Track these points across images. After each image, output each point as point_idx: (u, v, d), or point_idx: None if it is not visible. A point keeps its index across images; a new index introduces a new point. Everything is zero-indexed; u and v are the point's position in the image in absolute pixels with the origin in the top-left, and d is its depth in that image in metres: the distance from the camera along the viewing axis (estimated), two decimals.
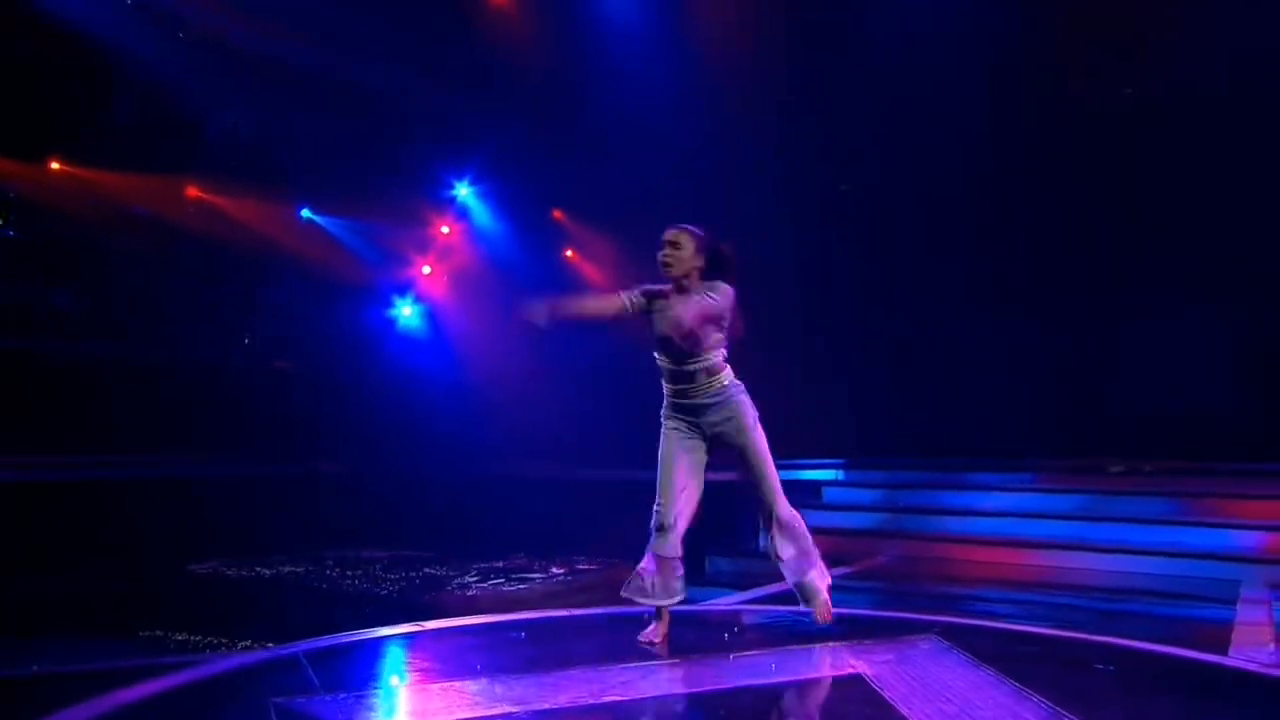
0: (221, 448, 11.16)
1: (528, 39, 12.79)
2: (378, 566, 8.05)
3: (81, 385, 10.73)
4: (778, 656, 4.39)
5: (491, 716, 3.48)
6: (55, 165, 12.11)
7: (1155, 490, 7.90)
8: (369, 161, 13.79)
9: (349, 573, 7.68)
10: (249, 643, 6.23)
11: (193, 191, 13.72)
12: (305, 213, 14.47)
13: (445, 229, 15.73)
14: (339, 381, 13.12)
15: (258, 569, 8.14)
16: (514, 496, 10.73)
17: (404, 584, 6.92)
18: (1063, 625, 5.43)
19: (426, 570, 7.67)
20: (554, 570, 7.87)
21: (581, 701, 3.66)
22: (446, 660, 4.53)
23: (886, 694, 3.72)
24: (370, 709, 3.54)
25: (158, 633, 6.90)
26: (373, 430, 12.38)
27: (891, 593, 6.68)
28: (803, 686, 3.88)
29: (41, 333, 11.08)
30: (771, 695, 3.75)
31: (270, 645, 5.78)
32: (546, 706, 3.57)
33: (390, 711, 3.58)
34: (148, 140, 12.37)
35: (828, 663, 4.25)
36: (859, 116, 10.41)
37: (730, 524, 8.97)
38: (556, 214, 15.80)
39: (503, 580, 7.11)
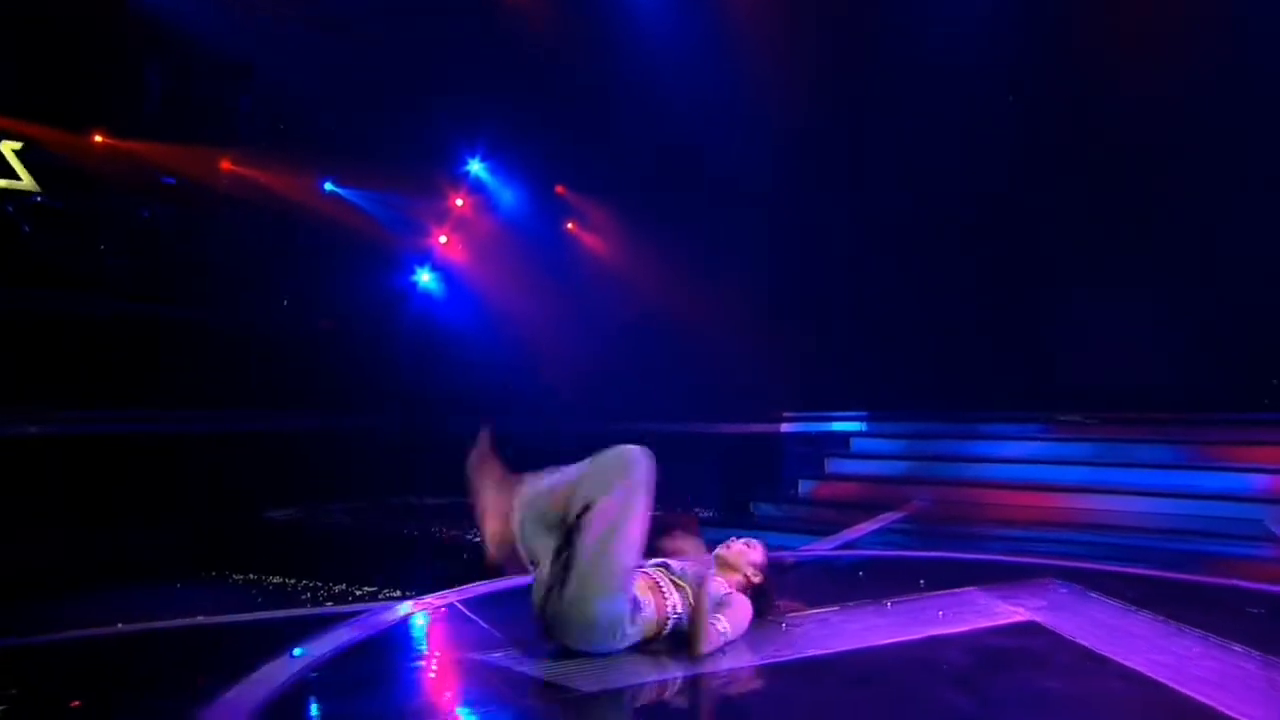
0: (272, 403, 10.41)
1: (535, 19, 12.04)
2: (447, 513, 7.45)
3: (136, 345, 9.90)
4: (933, 602, 3.98)
5: (702, 673, 3.01)
6: (99, 138, 11.12)
7: (1164, 439, 7.70)
8: (388, 137, 13.04)
9: (425, 519, 7.10)
10: (363, 589, 5.65)
11: (227, 165, 12.86)
12: (328, 185, 13.74)
13: (459, 201, 15.12)
14: (375, 339, 12.47)
15: (336, 515, 7.52)
16: (543, 448, 10.16)
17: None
18: (1137, 564, 5.14)
19: None
20: None
21: (783, 657, 3.21)
22: None
23: (1081, 641, 3.34)
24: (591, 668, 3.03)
25: (250, 576, 6.27)
26: (411, 386, 11.75)
27: (952, 536, 6.35)
28: (992, 635, 3.46)
29: (95, 295, 10.17)
30: (972, 646, 3.33)
31: (403, 593, 5.25)
32: (750, 663, 3.11)
33: (604, 672, 3.06)
34: (183, 114, 11.51)
35: (989, 610, 3.85)
36: (870, 86, 9.89)
37: (773, 472, 8.63)
38: (559, 189, 15.25)
39: None
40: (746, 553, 3.62)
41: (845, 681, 3.02)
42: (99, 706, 2.90)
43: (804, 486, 8.27)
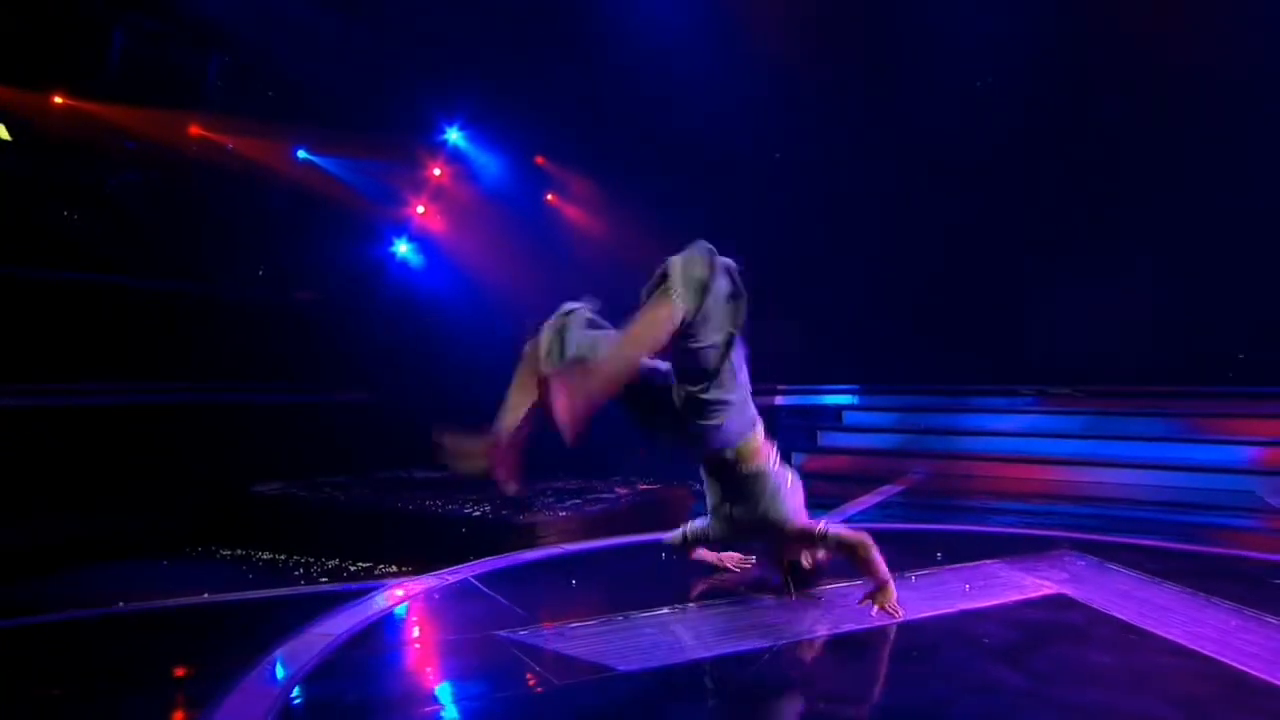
0: (254, 376, 10.08)
1: None
2: (438, 487, 7.27)
3: (106, 316, 9.49)
4: (957, 575, 3.93)
5: (738, 651, 2.91)
6: (59, 99, 10.59)
7: (1156, 411, 7.76)
8: (362, 102, 12.64)
9: (417, 493, 6.90)
10: (356, 564, 5.50)
11: (195, 129, 12.37)
12: (301, 154, 13.32)
13: (438, 171, 14.79)
14: (355, 311, 12.14)
15: (327, 490, 7.29)
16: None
17: (487, 505, 6.20)
18: (1142, 535, 5.14)
19: (492, 493, 6.93)
20: (619, 490, 7.26)
21: (818, 633, 3.13)
22: (623, 584, 3.92)
23: (1116, 614, 3.30)
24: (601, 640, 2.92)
25: (239, 552, 6.09)
26: (393, 358, 11.48)
27: (949, 508, 6.33)
28: (1025, 609, 3.40)
29: (61, 262, 9.73)
30: (1008, 619, 3.27)
31: (399, 569, 5.11)
32: (786, 640, 3.02)
33: (640, 651, 2.95)
34: (150, 77, 11.00)
35: (1014, 583, 3.80)
36: (860, 57, 9.74)
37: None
38: (539, 160, 14.99)
39: (579, 501, 6.45)
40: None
41: (888, 657, 2.94)
42: (116, 688, 2.73)
43: (796, 459, 8.22)
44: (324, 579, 5.25)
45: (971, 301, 9.05)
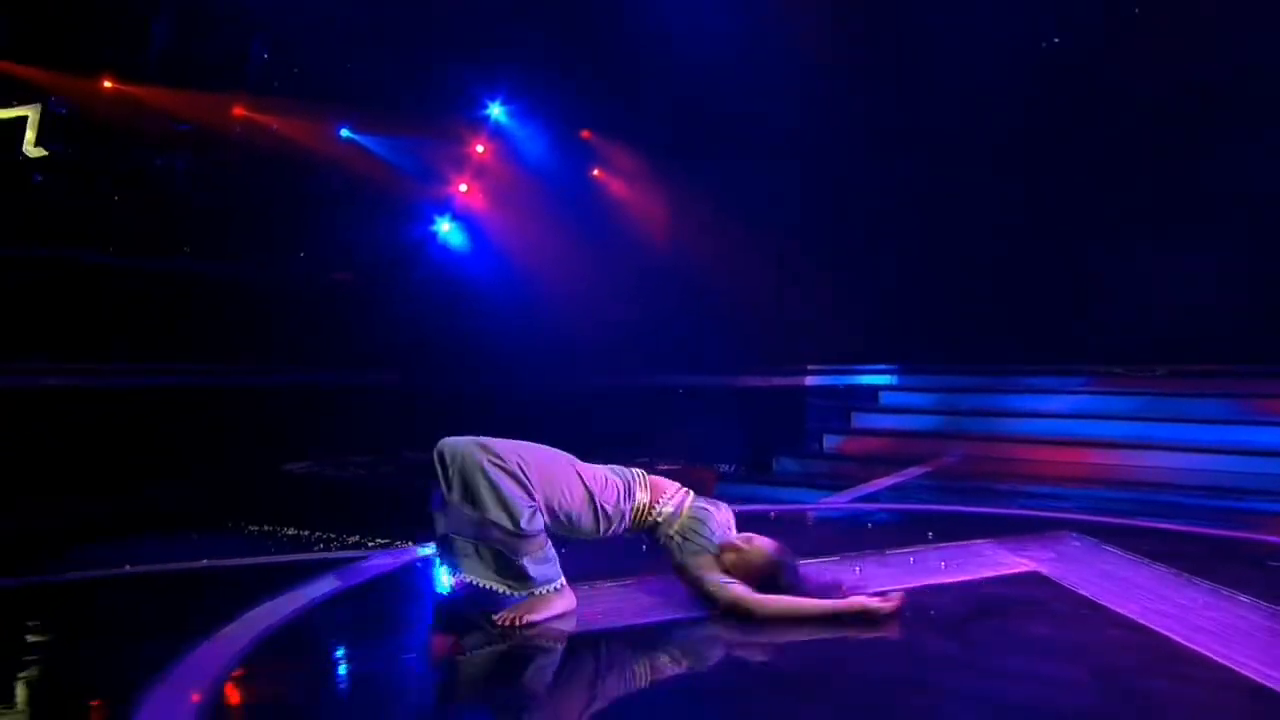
0: (285, 357, 10.68)
1: None
2: None
3: (148, 298, 10.17)
4: (936, 554, 4.07)
5: (690, 619, 3.14)
6: (108, 84, 11.29)
7: (1211, 391, 7.58)
8: (404, 80, 13.05)
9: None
10: (376, 540, 5.88)
11: (240, 111, 12.97)
12: (344, 132, 13.82)
13: (480, 148, 15.12)
14: (391, 293, 12.64)
15: (353, 468, 7.76)
16: (567, 403, 10.33)
17: None
18: (1166, 520, 5.13)
19: None
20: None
21: None
22: (612, 557, 4.17)
23: (1081, 591, 3.41)
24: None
25: (265, 528, 6.54)
26: (427, 339, 11.96)
27: (982, 492, 6.37)
28: (990, 584, 3.54)
29: (103, 247, 10.46)
30: (967, 594, 3.41)
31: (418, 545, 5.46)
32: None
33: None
34: (195, 60, 11.60)
35: (994, 560, 3.92)
36: (904, 27, 9.68)
37: (797, 426, 8.69)
38: (584, 134, 15.18)
39: None
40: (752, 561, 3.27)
41: (825, 625, 3.12)
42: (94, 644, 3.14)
43: (829, 441, 8.32)
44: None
45: (1023, 275, 8.95)
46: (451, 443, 3.18)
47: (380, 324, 11.68)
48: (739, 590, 3.10)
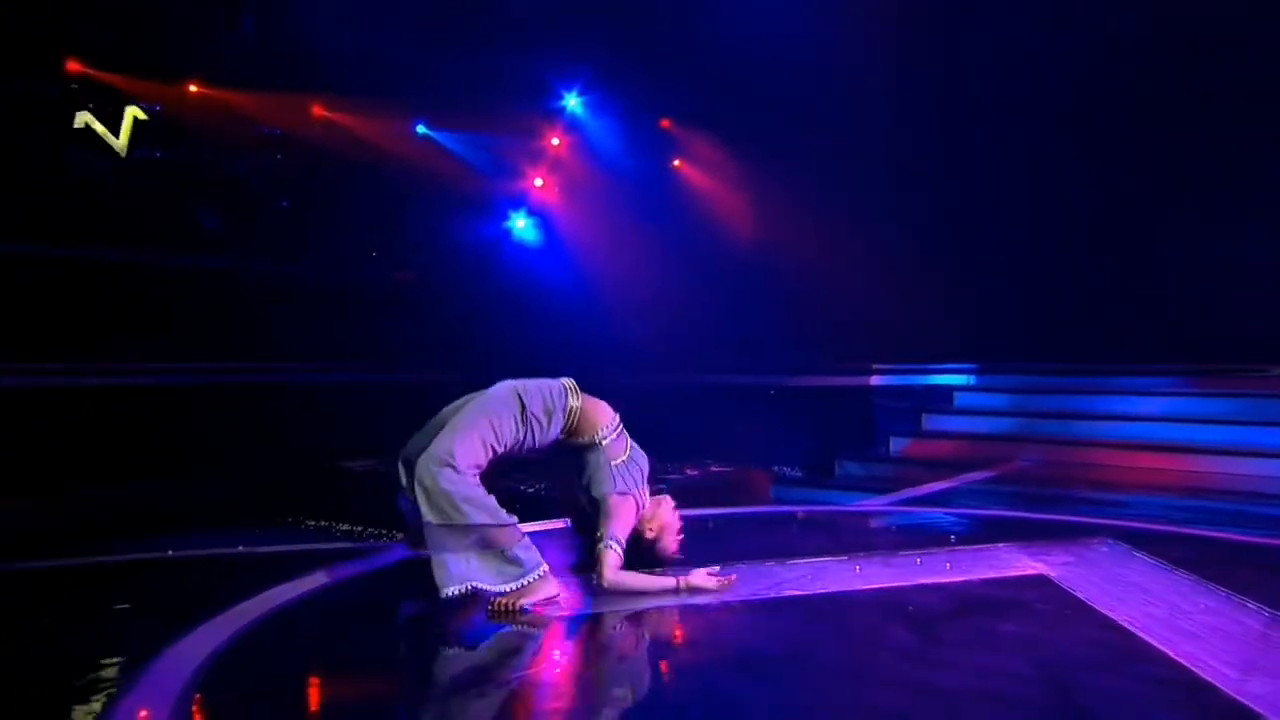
0: (356, 355, 11.42)
1: None
2: (527, 467, 8.14)
3: (223, 298, 11.04)
4: (949, 555, 4.22)
5: (681, 605, 3.43)
6: (194, 88, 12.27)
7: None
8: (480, 74, 13.62)
9: (506, 472, 7.79)
10: None
11: (318, 110, 13.83)
12: (421, 128, 14.49)
13: (556, 140, 15.58)
14: (460, 293, 13.25)
15: None
16: (636, 400, 10.65)
17: (542, 484, 6.95)
18: (1241, 531, 5.07)
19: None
20: (689, 472, 7.82)
21: (761, 595, 3.57)
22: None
23: (1079, 594, 3.52)
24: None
25: (322, 523, 7.10)
26: (492, 339, 12.51)
27: (1041, 497, 6.37)
28: (987, 585, 3.68)
29: (187, 249, 11.42)
30: (956, 593, 3.58)
31: None
32: (728, 599, 3.50)
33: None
34: (275, 60, 12.45)
35: (1006, 563, 4.04)
36: (984, 28, 9.66)
37: (862, 428, 8.77)
38: (664, 123, 15.44)
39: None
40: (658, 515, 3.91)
41: (804, 617, 3.35)
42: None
43: (896, 444, 8.37)
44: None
45: (1112, 270, 8.77)
46: (415, 459, 3.61)
47: (446, 321, 12.29)
48: (612, 558, 3.57)
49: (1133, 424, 7.75)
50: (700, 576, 3.60)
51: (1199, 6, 8.66)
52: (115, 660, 2.98)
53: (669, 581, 3.59)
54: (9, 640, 3.27)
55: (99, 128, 11.05)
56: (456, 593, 3.49)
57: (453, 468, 3.49)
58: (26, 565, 4.46)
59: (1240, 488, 6.66)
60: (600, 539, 3.61)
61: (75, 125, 10.81)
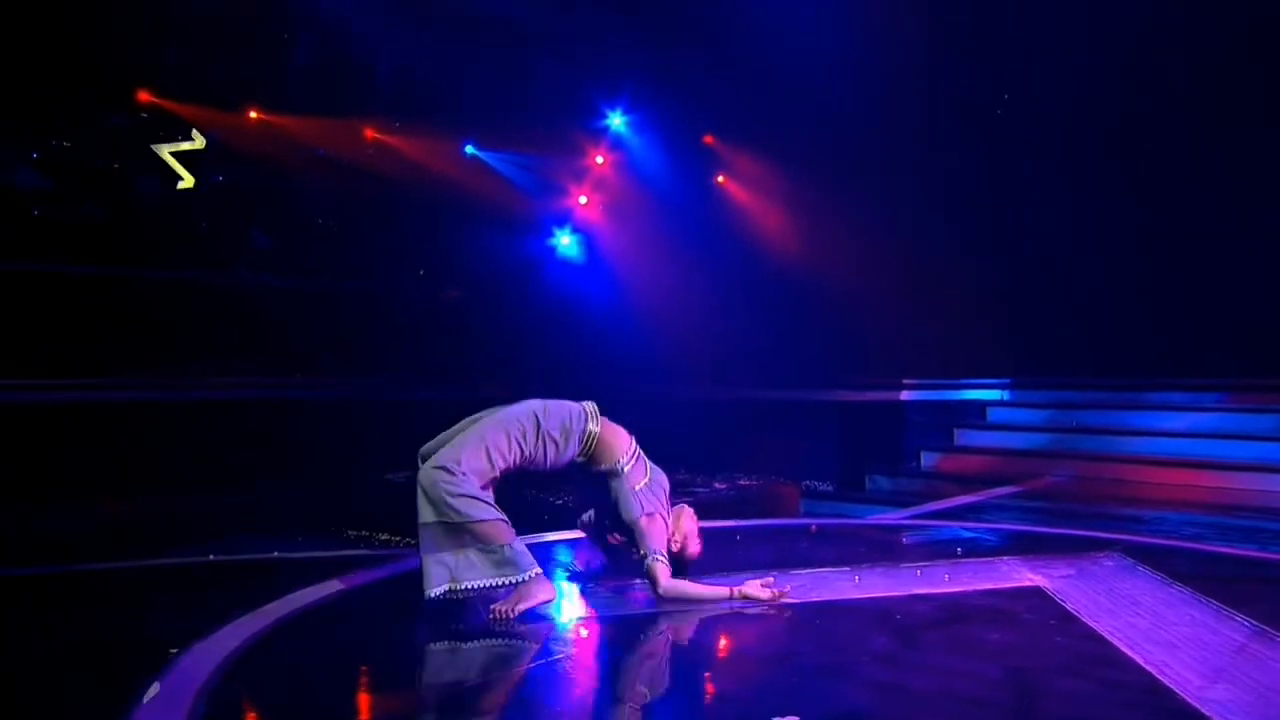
0: (402, 370, 11.80)
1: None
2: (568, 480, 8.39)
3: (278, 315, 11.49)
4: (950, 568, 4.30)
5: (670, 613, 3.59)
6: (254, 114, 12.81)
7: None
8: (526, 94, 13.95)
9: (545, 488, 8.02)
10: None
11: (370, 133, 14.30)
12: (469, 149, 14.89)
13: (599, 159, 15.84)
14: (505, 309, 13.57)
15: None
16: (669, 415, 10.82)
17: (571, 496, 7.16)
18: (1256, 546, 5.04)
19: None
20: (716, 485, 7.96)
21: (752, 603, 3.70)
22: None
23: (1069, 605, 3.58)
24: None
25: (363, 532, 7.38)
26: (537, 355, 12.78)
27: (1065, 512, 6.38)
28: (980, 596, 3.77)
29: (244, 268, 11.94)
30: (947, 603, 3.67)
31: None
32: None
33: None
34: (328, 86, 12.94)
35: (1005, 575, 4.12)
36: (1015, 43, 9.69)
37: (895, 444, 8.81)
38: (707, 139, 15.61)
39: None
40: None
41: (790, 624, 3.48)
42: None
43: (927, 459, 8.39)
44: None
45: (1149, 283, 8.68)
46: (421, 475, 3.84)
47: (491, 338, 12.61)
48: (662, 569, 3.67)
49: (1167, 439, 7.67)
50: (754, 587, 3.67)
51: (1243, 15, 8.58)
52: (138, 654, 3.24)
53: (723, 591, 3.69)
54: (50, 631, 3.56)
55: (173, 162, 11.71)
56: (442, 593, 3.66)
57: (451, 470, 3.68)
58: (83, 567, 4.82)
59: (1274, 505, 6.58)
60: (645, 555, 3.73)
61: (154, 157, 11.50)
